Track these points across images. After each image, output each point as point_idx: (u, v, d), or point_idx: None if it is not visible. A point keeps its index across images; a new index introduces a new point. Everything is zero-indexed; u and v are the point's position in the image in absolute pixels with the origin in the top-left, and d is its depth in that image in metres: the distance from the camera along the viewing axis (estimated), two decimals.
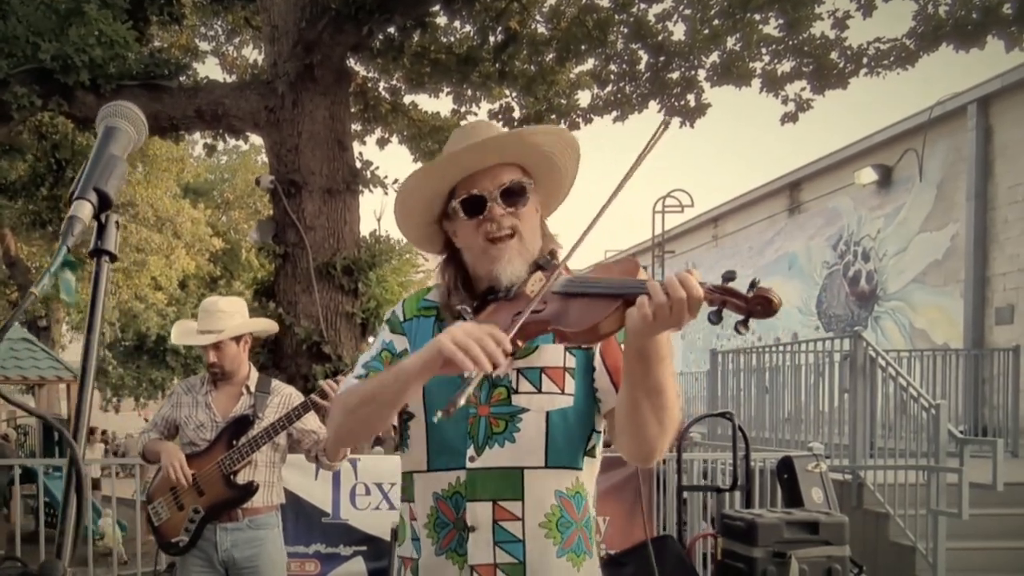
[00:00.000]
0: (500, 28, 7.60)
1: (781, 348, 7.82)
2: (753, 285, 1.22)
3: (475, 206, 1.52)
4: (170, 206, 18.66)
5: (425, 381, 1.42)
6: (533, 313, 1.36)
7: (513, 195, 1.52)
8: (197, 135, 10.85)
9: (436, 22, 7.77)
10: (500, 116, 8.59)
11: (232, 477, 3.21)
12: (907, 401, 6.15)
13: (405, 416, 1.61)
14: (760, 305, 1.20)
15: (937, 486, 5.59)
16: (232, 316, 3.32)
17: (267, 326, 3.63)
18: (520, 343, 1.40)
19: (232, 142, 23.51)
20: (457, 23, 8.13)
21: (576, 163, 1.63)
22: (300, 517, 4.61)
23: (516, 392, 1.52)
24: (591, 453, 1.59)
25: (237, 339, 3.30)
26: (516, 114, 8.47)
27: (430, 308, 1.66)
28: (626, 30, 7.52)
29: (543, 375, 1.53)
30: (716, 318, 1.26)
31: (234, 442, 3.21)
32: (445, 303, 1.61)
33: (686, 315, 1.24)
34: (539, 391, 1.52)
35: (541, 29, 7.93)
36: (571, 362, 1.54)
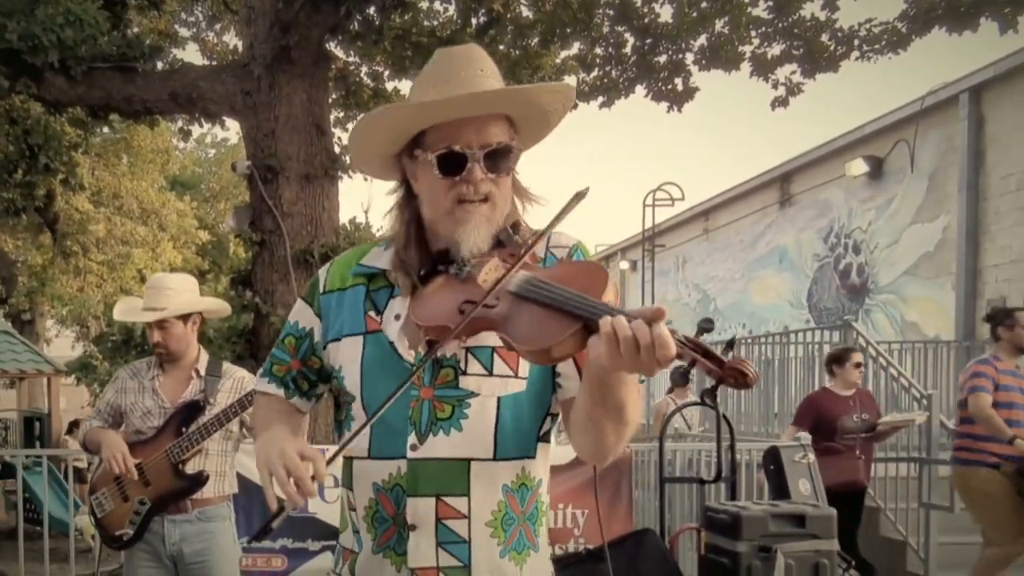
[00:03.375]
0: (483, 10, 7.40)
1: (771, 340, 7.66)
2: (730, 346, 1.05)
3: (454, 164, 1.31)
4: (155, 198, 18.46)
5: None
6: (484, 308, 1.20)
7: (497, 159, 1.32)
8: (178, 126, 10.71)
9: (417, 3, 7.57)
10: None
11: (180, 466, 3.02)
12: (898, 392, 6.00)
13: (346, 397, 1.43)
14: (734, 377, 1.04)
15: (928, 479, 5.45)
16: (179, 293, 3.12)
17: (217, 306, 3.42)
18: (465, 338, 1.27)
19: (220, 134, 23.28)
20: (439, 5, 7.94)
21: (566, 110, 1.43)
22: (266, 510, 4.40)
23: (464, 374, 1.34)
24: (544, 438, 1.42)
25: (185, 319, 3.09)
26: None
27: (362, 275, 1.44)
28: (612, 12, 7.33)
29: (495, 356, 1.35)
30: (682, 379, 1.10)
31: (183, 429, 3.02)
32: (397, 260, 1.40)
33: (651, 365, 1.05)
34: (490, 374, 1.35)
35: (525, 12, 7.73)
36: None
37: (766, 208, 14.90)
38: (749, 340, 7.89)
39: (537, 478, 1.42)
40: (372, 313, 1.40)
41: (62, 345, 23.59)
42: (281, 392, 1.52)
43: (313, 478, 1.23)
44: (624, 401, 1.20)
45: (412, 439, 1.34)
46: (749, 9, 6.99)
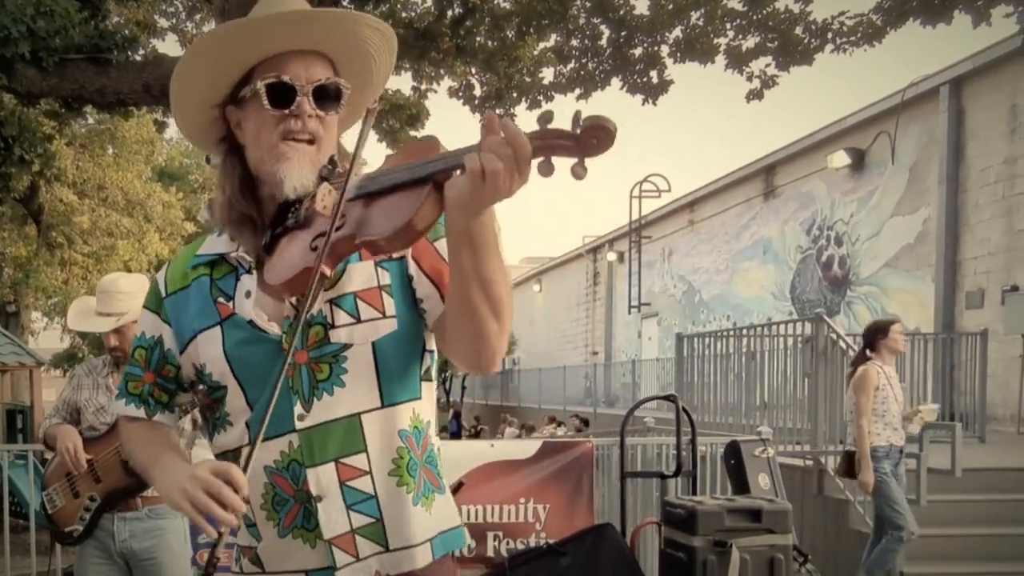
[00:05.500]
0: (459, 1, 7.37)
1: (744, 333, 7.67)
2: (576, 119, 0.98)
3: (283, 96, 1.28)
4: (141, 189, 18.32)
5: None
6: (334, 232, 1.15)
7: (327, 97, 1.30)
8: (154, 117, 10.64)
9: None
10: (461, 93, 8.37)
11: (131, 463, 3.00)
12: None
13: (214, 394, 1.37)
14: (595, 137, 0.97)
15: None
16: (134, 296, 3.10)
17: None
18: (329, 271, 1.19)
19: None
20: None
21: (390, 66, 1.40)
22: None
23: (333, 327, 1.29)
24: (427, 376, 1.39)
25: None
26: (477, 91, 8.25)
27: (203, 265, 1.40)
28: (588, 4, 7.31)
29: (358, 300, 1.30)
30: (547, 169, 1.02)
31: None
32: (229, 217, 1.35)
33: (516, 179, 1.01)
34: (359, 320, 1.30)
35: (502, 3, 7.70)
36: (385, 278, 1.32)
37: (750, 200, 14.92)
38: (726, 334, 7.89)
39: (427, 420, 1.39)
40: (222, 300, 1.35)
41: (50, 337, 23.46)
42: (142, 411, 1.46)
43: (236, 491, 1.18)
44: (493, 270, 1.16)
45: (298, 409, 1.30)
46: (724, 1, 6.98)
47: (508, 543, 4.26)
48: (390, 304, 1.32)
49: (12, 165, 8.66)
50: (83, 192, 17.56)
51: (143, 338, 1.45)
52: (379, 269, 1.32)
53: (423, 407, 1.38)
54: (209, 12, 10.38)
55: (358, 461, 1.31)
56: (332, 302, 1.30)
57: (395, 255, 1.32)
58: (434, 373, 1.42)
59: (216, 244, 1.40)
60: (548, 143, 1.00)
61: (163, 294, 1.43)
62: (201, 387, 1.39)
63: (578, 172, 1.01)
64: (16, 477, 7.41)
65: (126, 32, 7.76)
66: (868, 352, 5.08)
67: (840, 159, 11.89)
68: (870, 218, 11.72)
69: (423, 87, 8.42)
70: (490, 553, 4.22)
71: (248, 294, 1.33)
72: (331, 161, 1.26)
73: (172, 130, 19.35)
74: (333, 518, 1.31)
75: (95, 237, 18.35)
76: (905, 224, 11.05)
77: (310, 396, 1.30)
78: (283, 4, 1.32)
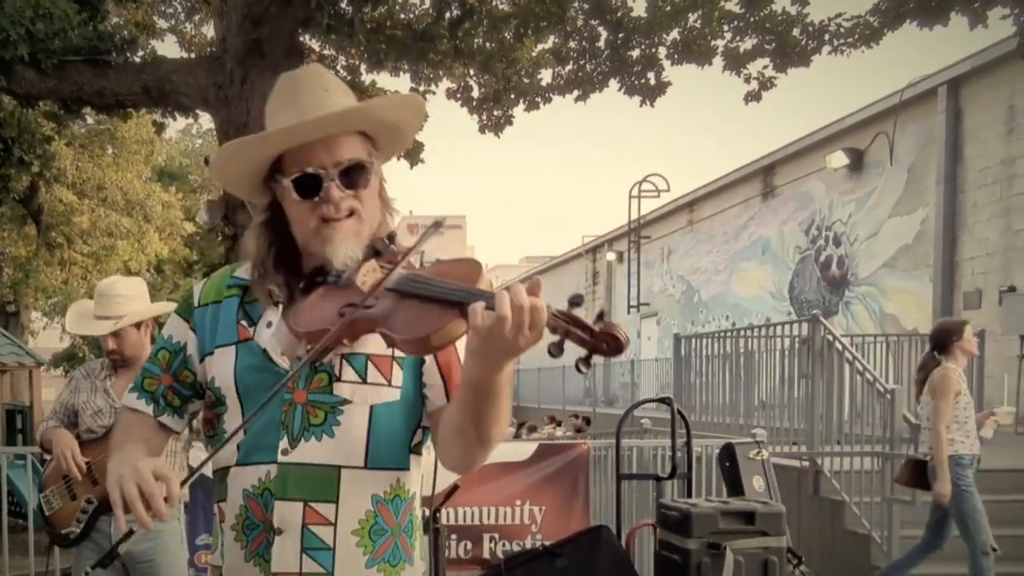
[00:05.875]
0: (457, 3, 7.38)
1: (742, 333, 7.68)
2: (600, 317, 1.06)
3: (309, 186, 1.32)
4: (140, 189, 18.33)
5: None
6: (363, 309, 1.20)
7: (353, 175, 1.33)
8: (152, 118, 10.64)
9: None
10: (459, 95, 8.38)
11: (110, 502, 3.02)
12: (863, 387, 6.03)
13: (217, 409, 1.43)
14: (607, 343, 1.04)
15: (892, 473, 5.48)
16: (131, 300, 3.13)
17: (168, 309, 3.42)
18: (347, 342, 1.27)
19: (206, 124, 23.10)
20: None
21: (420, 122, 1.46)
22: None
23: (339, 380, 1.34)
24: (417, 451, 1.43)
25: (138, 324, 3.11)
26: (475, 93, 8.27)
27: (236, 287, 1.45)
28: (586, 5, 7.32)
29: (369, 363, 1.35)
30: (557, 351, 1.08)
31: None
32: (256, 279, 1.40)
33: (527, 335, 1.05)
34: (364, 381, 1.34)
35: (500, 4, 7.71)
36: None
37: (749, 200, 14.93)
38: (723, 335, 7.90)
39: (411, 491, 1.43)
40: (245, 323, 1.40)
41: (50, 337, 23.48)
42: (150, 409, 1.50)
43: (166, 499, 1.19)
44: (497, 415, 1.21)
45: (284, 443, 1.34)
46: (722, 3, 6.99)
47: (504, 545, 4.28)
48: (398, 375, 1.37)
49: (11, 166, 8.68)
50: (83, 192, 17.57)
51: (169, 341, 1.49)
52: None
53: (408, 478, 1.42)
54: (208, 13, 10.41)
55: (326, 510, 1.35)
56: (344, 357, 1.35)
57: (412, 355, 1.35)
58: (425, 448, 1.46)
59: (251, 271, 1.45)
60: (567, 327, 1.05)
61: (196, 304, 1.48)
62: (209, 395, 1.44)
63: (580, 368, 1.07)
64: (15, 477, 7.42)
65: (125, 33, 7.78)
66: (937, 354, 4.77)
67: (838, 159, 11.90)
68: (868, 218, 11.74)
69: (421, 88, 8.43)
70: (486, 555, 4.25)
71: (269, 324, 1.38)
72: (390, 237, 1.32)
73: (171, 130, 19.34)
74: (286, 555, 1.34)
75: (95, 237, 18.36)
76: (903, 224, 11.07)
77: (298, 435, 1.34)
78: (303, 96, 1.36)
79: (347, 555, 1.35)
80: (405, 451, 1.40)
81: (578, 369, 1.07)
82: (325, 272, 1.34)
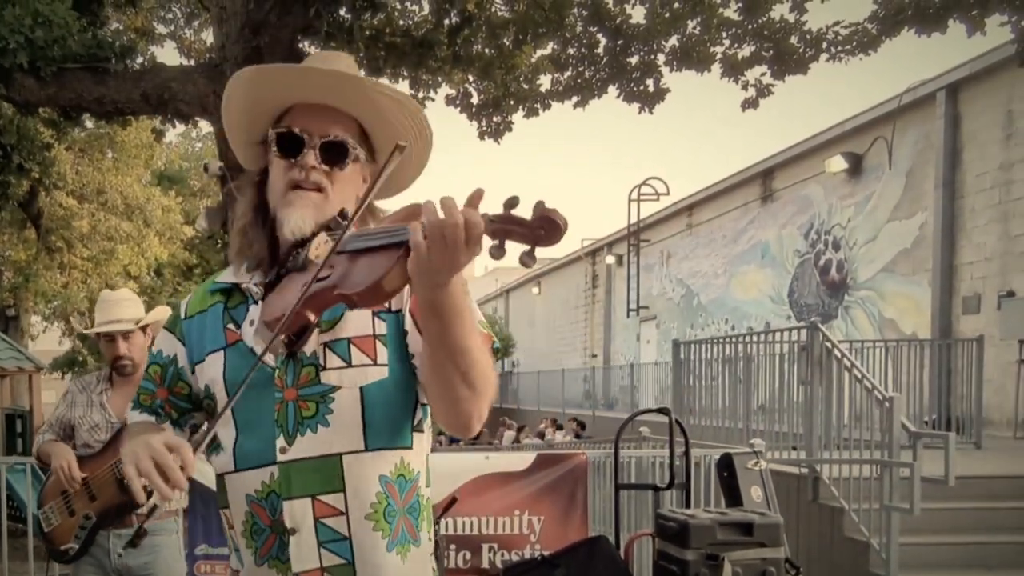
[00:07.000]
0: (455, 10, 7.39)
1: (740, 339, 7.69)
2: (536, 209, 1.02)
3: (290, 145, 1.35)
4: (140, 193, 18.35)
5: None
6: (319, 280, 1.19)
7: (333, 152, 1.35)
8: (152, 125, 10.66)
9: (390, 3, 7.56)
10: (458, 101, 8.39)
11: (126, 481, 3.02)
12: (862, 394, 6.03)
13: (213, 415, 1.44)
14: (543, 228, 0.99)
15: (891, 480, 5.47)
16: (136, 304, 3.17)
17: (167, 314, 3.44)
18: (313, 317, 1.23)
19: (206, 128, 23.17)
20: (413, 5, 7.93)
21: (426, 150, 1.45)
22: (215, 515, 4.42)
23: (324, 369, 1.34)
24: (419, 428, 1.42)
25: (143, 329, 3.15)
26: (474, 99, 8.28)
27: (219, 292, 1.46)
28: (585, 12, 7.33)
29: (351, 346, 1.35)
30: (498, 252, 1.04)
31: None
32: (242, 248, 1.41)
33: (463, 247, 1.02)
34: (349, 365, 1.34)
35: (499, 11, 7.73)
36: (381, 328, 1.36)
37: (748, 204, 14.94)
38: (722, 340, 7.91)
39: (416, 470, 1.42)
40: (231, 326, 1.41)
41: (49, 340, 23.47)
42: (153, 419, 1.52)
43: (182, 468, 1.18)
44: (462, 341, 1.17)
45: (281, 442, 1.33)
46: (721, 10, 7.01)
47: (503, 555, 4.28)
48: (383, 353, 1.36)
49: (11, 173, 8.70)
50: (82, 196, 17.60)
51: (160, 356, 1.51)
52: (376, 319, 1.37)
53: (412, 457, 1.41)
54: (207, 19, 10.42)
55: (335, 500, 1.35)
56: (326, 345, 1.35)
57: (375, 309, 1.35)
58: (427, 426, 1.45)
59: (232, 274, 1.47)
60: (504, 227, 1.02)
61: (182, 316, 1.50)
62: (207, 402, 1.46)
63: (525, 261, 1.03)
64: (14, 481, 7.42)
65: (124, 40, 7.79)
66: None
67: (837, 164, 11.91)
68: (867, 223, 11.74)
69: (420, 95, 8.45)
70: (485, 565, 4.25)
71: (252, 323, 1.39)
72: (342, 214, 1.32)
73: (171, 135, 19.35)
74: (304, 553, 1.34)
75: (94, 241, 18.38)
76: (902, 229, 11.07)
77: (293, 432, 1.34)
78: (325, 61, 1.39)
79: (365, 541, 1.35)
80: (405, 429, 1.39)
81: (522, 263, 1.03)
82: (287, 262, 1.35)
